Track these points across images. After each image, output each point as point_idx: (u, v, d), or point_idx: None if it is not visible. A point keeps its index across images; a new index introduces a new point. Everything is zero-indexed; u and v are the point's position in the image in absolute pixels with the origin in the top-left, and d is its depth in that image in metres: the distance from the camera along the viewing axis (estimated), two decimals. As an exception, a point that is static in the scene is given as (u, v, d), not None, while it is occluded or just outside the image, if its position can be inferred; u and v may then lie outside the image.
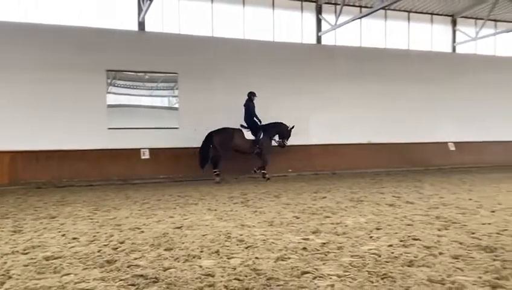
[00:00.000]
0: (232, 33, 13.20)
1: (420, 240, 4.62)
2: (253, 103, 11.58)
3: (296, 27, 14.02)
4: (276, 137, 11.97)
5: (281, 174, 12.45)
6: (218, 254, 4.14)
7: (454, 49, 15.98)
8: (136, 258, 4.06)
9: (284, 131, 11.94)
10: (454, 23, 15.86)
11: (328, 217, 6.06)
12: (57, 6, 11.63)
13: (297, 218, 5.98)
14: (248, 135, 11.41)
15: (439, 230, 5.16)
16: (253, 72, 13.10)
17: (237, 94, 12.90)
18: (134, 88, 12.40)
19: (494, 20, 16.13)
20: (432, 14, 15.41)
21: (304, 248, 4.30)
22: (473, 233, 4.95)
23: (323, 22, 13.99)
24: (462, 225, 5.40)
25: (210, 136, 11.19)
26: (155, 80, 12.53)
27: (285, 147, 12.02)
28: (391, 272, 3.54)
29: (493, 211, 6.37)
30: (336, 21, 13.07)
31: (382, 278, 3.41)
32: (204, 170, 11.24)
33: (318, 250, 4.25)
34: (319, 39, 14.17)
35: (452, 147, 15.34)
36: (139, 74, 12.32)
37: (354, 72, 14.22)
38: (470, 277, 3.45)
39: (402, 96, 14.69)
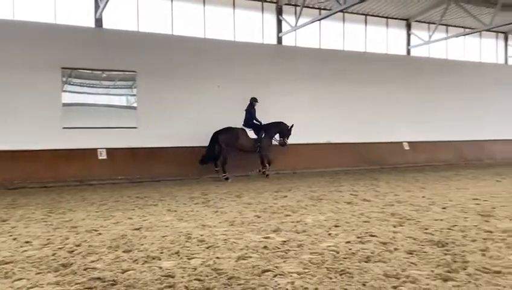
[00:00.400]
0: (193, 32, 13.08)
1: (376, 237, 4.77)
2: (254, 108, 12.26)
3: (256, 27, 14.08)
4: (277, 136, 12.53)
5: (242, 175, 12.45)
6: (179, 255, 4.10)
7: (408, 52, 16.58)
8: (93, 261, 3.95)
9: (284, 130, 12.50)
10: (409, 27, 16.45)
11: (289, 215, 6.14)
12: (8, 1, 11.09)
13: (259, 217, 6.01)
14: (251, 134, 12.08)
15: (394, 226, 5.35)
16: (214, 72, 13.05)
17: (198, 93, 12.85)
18: (91, 86, 12.03)
19: (446, 25, 16.85)
20: (387, 17, 15.91)
21: (265, 247, 4.33)
22: (426, 229, 5.16)
23: (283, 23, 14.13)
24: (416, 221, 5.62)
25: (216, 136, 11.64)
26: (113, 79, 12.21)
27: (285, 145, 12.56)
28: (349, 268, 3.64)
29: (444, 208, 6.66)
30: (296, 22, 13.23)
31: (340, 274, 3.50)
32: (215, 167, 11.77)
33: (279, 248, 4.30)
34: (279, 40, 14.30)
35: (407, 147, 15.90)
36: (96, 72, 11.97)
37: (314, 73, 14.45)
38: (423, 271, 3.60)
39: (360, 97, 15.07)
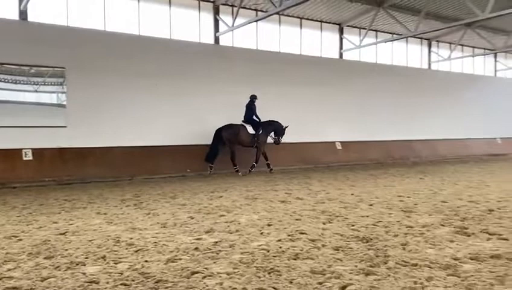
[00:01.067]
0: (127, 28, 12.67)
1: (306, 234, 4.91)
2: (255, 105, 13.06)
3: (193, 26, 13.93)
4: (272, 134, 13.32)
5: (178, 175, 12.27)
6: (105, 260, 3.95)
7: (341, 55, 17.23)
8: (9, 269, 3.70)
9: (279, 129, 13.31)
10: (341, 31, 17.10)
11: (223, 215, 6.14)
12: None
13: (192, 218, 5.96)
14: (250, 130, 12.84)
15: (323, 223, 5.53)
16: (150, 69, 12.73)
17: (133, 91, 12.48)
18: (17, 83, 11.26)
19: (376, 30, 17.72)
20: (321, 21, 16.43)
21: (196, 248, 4.30)
22: (353, 225, 5.39)
23: (220, 23, 14.11)
24: (344, 218, 5.86)
25: (219, 132, 12.53)
26: (42, 75, 11.50)
27: (279, 143, 13.40)
28: (278, 266, 3.71)
29: (371, 205, 6.99)
30: (233, 22, 13.27)
31: (269, 273, 3.55)
32: (209, 164, 12.59)
33: (210, 249, 4.29)
34: (216, 39, 14.26)
35: (339, 146, 16.52)
36: (23, 67, 11.21)
37: (251, 73, 14.57)
38: (348, 266, 3.75)
39: (295, 98, 15.42)
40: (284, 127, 13.33)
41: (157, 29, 13.17)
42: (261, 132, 12.92)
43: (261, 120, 13.08)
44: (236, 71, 14.30)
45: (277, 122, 13.31)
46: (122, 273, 3.54)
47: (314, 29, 16.47)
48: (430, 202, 7.15)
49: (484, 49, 20.67)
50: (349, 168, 14.72)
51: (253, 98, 13.09)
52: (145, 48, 12.74)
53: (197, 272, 3.56)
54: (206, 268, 3.67)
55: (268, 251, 4.19)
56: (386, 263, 3.81)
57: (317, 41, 16.58)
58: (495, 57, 22.82)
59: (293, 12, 15.35)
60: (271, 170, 13.19)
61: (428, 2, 14.23)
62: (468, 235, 4.85)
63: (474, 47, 21.09)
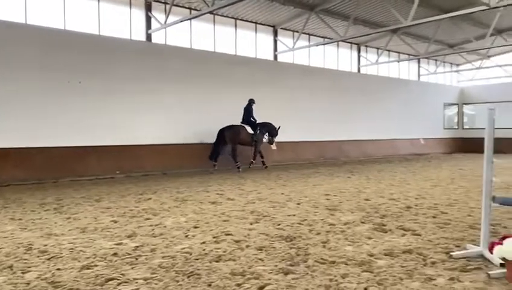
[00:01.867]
0: (51, 22, 11.94)
1: (232, 235, 4.90)
2: (252, 108, 14.13)
3: (124, 23, 13.45)
4: (267, 134, 14.40)
5: (107, 177, 11.79)
6: (12, 269, 3.68)
7: (275, 57, 17.48)
8: None
9: (272, 130, 14.47)
10: (275, 33, 17.35)
11: (149, 219, 5.96)
12: None
13: (115, 222, 5.73)
14: (249, 130, 13.87)
15: (251, 224, 5.55)
16: (75, 66, 12.10)
17: (55, 89, 11.79)
18: None
19: (308, 34, 18.19)
20: (256, 23, 16.56)
21: (115, 254, 4.13)
22: (279, 225, 5.47)
23: (153, 20, 13.75)
24: (272, 218, 5.92)
25: (222, 132, 13.45)
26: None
27: (273, 143, 14.74)
28: (198, 269, 3.66)
29: (299, 204, 7.15)
30: (166, 20, 12.99)
31: (188, 277, 3.49)
32: (213, 162, 13.55)
33: (130, 254, 4.14)
34: (148, 37, 13.88)
35: (274, 147, 16.72)
36: None
37: (185, 72, 14.35)
38: (268, 266, 3.79)
39: (230, 98, 15.39)
40: (277, 128, 14.54)
41: (85, 25, 12.54)
42: (258, 132, 14.05)
43: (248, 121, 14.09)
44: (169, 70, 14.01)
45: (271, 123, 14.49)
46: (29, 284, 3.31)
47: (249, 30, 16.56)
48: (354, 200, 7.44)
49: (408, 54, 21.97)
50: (283, 168, 14.96)
51: (251, 101, 14.23)
52: (69, 43, 12.08)
53: (112, 279, 3.41)
54: (122, 274, 3.53)
55: (190, 254, 4.12)
56: (305, 262, 3.89)
57: (252, 43, 16.70)
58: (418, 62, 24.33)
59: (227, 12, 15.33)
60: (266, 167, 14.39)
61: (357, 8, 14.84)
62: (385, 232, 5.10)
63: (399, 52, 22.35)
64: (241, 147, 13.97)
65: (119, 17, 13.38)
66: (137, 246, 4.42)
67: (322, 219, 5.82)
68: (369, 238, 4.79)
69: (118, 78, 12.89)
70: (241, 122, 14.06)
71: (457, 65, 26.48)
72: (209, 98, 14.87)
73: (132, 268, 3.71)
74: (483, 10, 11.42)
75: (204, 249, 4.29)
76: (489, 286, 3.30)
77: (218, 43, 15.59)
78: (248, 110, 14.23)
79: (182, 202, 7.40)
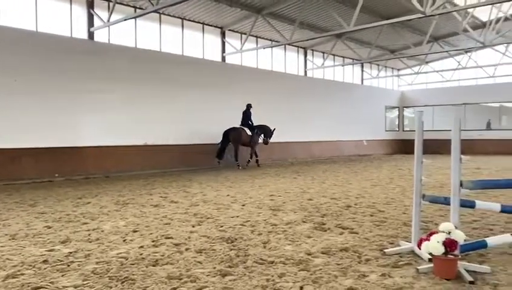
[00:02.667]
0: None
1: (172, 238, 4.81)
2: (250, 111, 15.59)
3: (65, 20, 12.87)
4: (262, 136, 15.75)
5: (44, 180, 11.22)
6: None
7: (223, 59, 17.45)
8: None
9: (267, 131, 15.85)
10: (223, 34, 17.32)
11: (86, 223, 5.73)
12: None
13: (49, 228, 5.45)
14: (248, 132, 15.24)
15: (193, 226, 5.48)
16: (10, 64, 11.42)
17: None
18: None
19: (256, 36, 18.33)
20: (203, 24, 16.45)
21: (45, 261, 3.92)
22: (221, 226, 5.44)
23: (95, 18, 13.27)
24: (215, 220, 5.88)
25: (227, 134, 14.88)
26: None
27: (268, 144, 16.10)
28: (133, 274, 3.55)
29: (243, 205, 7.16)
30: (109, 18, 12.58)
31: (122, 282, 3.38)
32: (221, 160, 15.09)
33: (61, 261, 3.94)
34: (91, 35, 13.38)
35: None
36: None
37: (130, 72, 13.98)
38: (207, 268, 3.75)
39: (178, 99, 15.20)
40: (272, 130, 15.91)
41: (21, 20, 11.88)
42: (255, 133, 15.45)
43: (246, 124, 15.50)
44: (113, 69, 13.58)
45: (266, 126, 15.88)
46: None
47: (196, 30, 16.42)
48: (297, 200, 7.56)
49: (352, 59, 22.73)
50: (231, 169, 14.92)
51: (249, 106, 15.66)
52: (4, 40, 11.40)
53: (39, 288, 3.24)
54: (51, 282, 3.36)
55: (126, 259, 4.00)
56: (244, 263, 3.89)
57: (199, 43, 16.56)
58: (362, 66, 25.24)
59: (173, 12, 15.12)
60: (258, 165, 15.76)
61: (302, 13, 15.13)
62: (325, 231, 5.22)
63: (344, 57, 23.08)
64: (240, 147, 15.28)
65: (59, 14, 12.80)
66: (70, 252, 4.23)
67: (265, 220, 5.86)
68: (309, 237, 4.88)
69: (57, 77, 12.32)
70: (240, 125, 15.39)
71: (398, 70, 27.76)
72: (155, 98, 14.59)
73: (63, 275, 3.54)
74: (419, 18, 12.03)
75: (141, 254, 4.17)
76: (417, 280, 3.46)
77: (164, 43, 15.32)
78: (246, 114, 15.59)
79: (123, 206, 7.17)
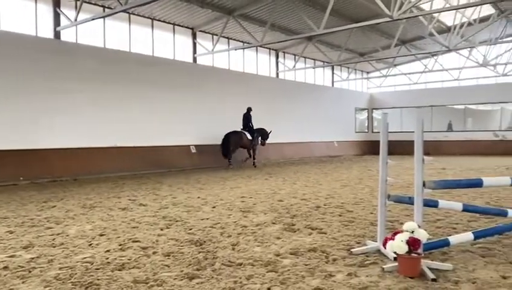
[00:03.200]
0: None
1: (140, 242, 4.73)
2: (250, 115, 16.45)
3: (30, 18, 12.49)
4: (260, 138, 16.73)
5: (8, 183, 10.84)
6: None
7: (195, 60, 17.34)
8: None
9: (265, 134, 16.90)
10: (194, 35, 17.22)
11: (50, 228, 5.57)
12: None
13: (11, 233, 5.27)
14: (248, 136, 16.10)
15: (161, 229, 5.41)
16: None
17: None
18: None
19: (228, 38, 18.32)
20: (174, 24, 16.31)
21: (5, 267, 3.79)
22: (191, 229, 5.39)
23: (62, 17, 12.94)
24: (184, 223, 5.83)
25: (228, 137, 15.64)
26: None
27: (265, 145, 17.19)
28: (98, 279, 3.47)
29: (214, 207, 7.12)
30: (76, 17, 12.28)
31: (86, 288, 3.31)
32: (229, 161, 15.83)
33: (22, 267, 3.82)
34: (57, 35, 13.04)
35: (193, 150, 16.59)
36: None
37: (99, 72, 13.70)
38: (174, 272, 3.71)
39: (148, 100, 15.00)
40: (268, 132, 16.95)
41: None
42: (255, 136, 16.37)
43: (247, 127, 16.44)
44: (80, 69, 13.26)
45: (263, 128, 16.84)
46: None
47: (167, 31, 16.25)
48: (268, 202, 7.59)
49: (323, 61, 23.03)
50: (203, 171, 14.84)
51: (249, 109, 16.51)
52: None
53: (-2, 296, 3.12)
54: (10, 289, 3.24)
55: (91, 264, 3.90)
56: (213, 265, 3.87)
57: (170, 44, 16.40)
58: (332, 69, 25.61)
59: (143, 12, 14.92)
60: (255, 166, 16.41)
61: (273, 15, 15.21)
62: (294, 231, 5.26)
63: (315, 59, 23.34)
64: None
65: (24, 12, 12.41)
66: (32, 258, 4.10)
67: (235, 222, 5.85)
68: (278, 238, 4.90)
69: (21, 77, 11.95)
70: (242, 129, 16.28)
71: (367, 73, 28.32)
72: (125, 99, 14.36)
73: (23, 282, 3.43)
74: (387, 22, 12.31)
75: (107, 258, 4.09)
76: (382, 279, 3.52)
77: (134, 43, 15.09)
78: (247, 118, 16.46)
79: (90, 209, 7.01)
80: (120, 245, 4.60)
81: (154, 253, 4.29)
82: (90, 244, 4.66)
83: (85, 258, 4.11)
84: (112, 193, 9.23)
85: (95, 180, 12.03)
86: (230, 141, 15.61)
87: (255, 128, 16.53)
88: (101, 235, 5.12)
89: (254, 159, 16.51)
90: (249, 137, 16.17)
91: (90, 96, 13.48)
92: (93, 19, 12.05)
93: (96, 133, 13.51)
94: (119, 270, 3.75)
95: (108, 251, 4.38)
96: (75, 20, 12.29)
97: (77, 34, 13.51)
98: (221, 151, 15.82)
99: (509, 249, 4.33)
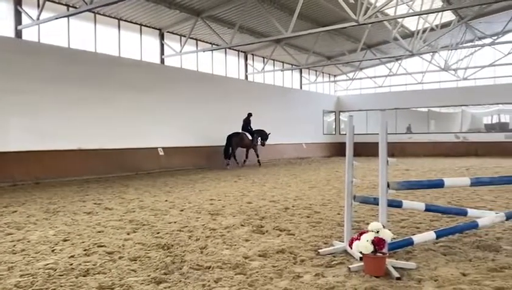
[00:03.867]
0: None
1: (105, 247, 4.63)
2: (250, 119, 17.97)
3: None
4: (259, 139, 18.05)
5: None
6: None
7: (163, 61, 17.14)
8: None
9: (264, 135, 18.20)
10: (162, 36, 17.02)
11: (11, 234, 5.36)
12: None
13: (-32, 240, 5.04)
14: (249, 137, 17.50)
15: (128, 234, 5.31)
16: None
17: None
18: None
19: (196, 39, 18.21)
20: (141, 25, 16.06)
21: (-39, 276, 3.62)
22: (158, 233, 5.32)
23: (24, 16, 12.50)
24: (151, 226, 5.74)
25: (230, 138, 16.97)
26: None
27: (264, 145, 18.47)
28: (61, 286, 3.38)
29: (182, 210, 7.05)
30: (39, 16, 11.90)
31: (48, 295, 3.20)
32: (229, 160, 16.97)
33: (-20, 276, 3.65)
34: (18, 33, 12.59)
35: (161, 152, 16.38)
36: None
37: (63, 73, 13.30)
38: (141, 276, 3.64)
39: (113, 101, 14.69)
40: (267, 134, 18.29)
41: None
42: (255, 137, 17.74)
43: (246, 130, 17.76)
44: (43, 69, 12.85)
45: (263, 130, 18.20)
46: None
47: (134, 32, 15.99)
48: (237, 204, 7.58)
49: (292, 64, 23.26)
50: (171, 174, 14.67)
51: (249, 114, 18.06)
52: None
53: (-47, 306, 2.97)
54: (-33, 300, 3.10)
55: (55, 270, 3.79)
56: (180, 269, 3.83)
57: (137, 45, 16.14)
58: (300, 72, 25.90)
59: (109, 12, 14.62)
60: (244, 162, 17.84)
61: (241, 17, 15.24)
62: (263, 233, 5.28)
63: (283, 62, 23.54)
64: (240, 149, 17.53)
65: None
66: (-9, 266, 3.94)
67: (203, 225, 5.81)
68: (247, 240, 4.90)
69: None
70: (242, 131, 17.61)
71: (335, 76, 28.80)
72: (90, 100, 14.01)
73: (-20, 291, 3.29)
74: (353, 26, 12.56)
75: (71, 264, 3.97)
76: (349, 279, 3.59)
77: (100, 44, 14.76)
78: (246, 122, 17.90)
79: (53, 214, 6.80)
80: (85, 250, 4.48)
81: (120, 258, 4.20)
82: (53, 250, 4.52)
83: (48, 264, 3.98)
84: (76, 196, 8.98)
85: (58, 184, 11.67)
86: (232, 142, 16.94)
87: (256, 129, 18.04)
88: (65, 240, 4.98)
89: (258, 157, 18.07)
90: (250, 137, 17.55)
91: (53, 97, 13.08)
92: (56, 18, 11.71)
93: (60, 135, 13.11)
94: (84, 276, 3.65)
95: (72, 256, 4.26)
96: (38, 18, 11.91)
97: (40, 33, 13.09)
98: (223, 152, 17.09)
99: (469, 247, 4.51)
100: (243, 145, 17.40)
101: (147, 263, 4.03)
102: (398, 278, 3.53)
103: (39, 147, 12.60)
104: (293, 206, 7.25)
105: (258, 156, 18.07)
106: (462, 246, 4.52)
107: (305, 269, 3.83)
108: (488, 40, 22.01)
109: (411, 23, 19.18)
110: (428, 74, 24.95)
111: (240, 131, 17.61)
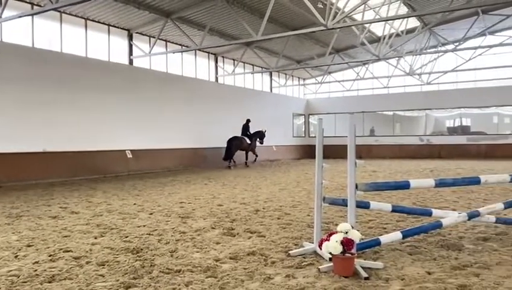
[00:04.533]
0: None
1: (71, 252, 4.52)
2: (249, 125, 19.64)
3: None
4: (258, 139, 19.82)
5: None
6: None
7: (131, 62, 16.86)
8: None
9: (262, 135, 19.90)
10: (130, 37, 16.74)
11: (-30, 240, 5.14)
12: None
13: None
14: (248, 141, 19.17)
15: (95, 238, 5.20)
16: None
17: None
18: None
19: (166, 41, 18.02)
20: (109, 25, 15.75)
21: None
22: (127, 237, 5.22)
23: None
24: (119, 230, 5.63)
25: (230, 142, 18.31)
26: None
27: (262, 144, 20.24)
28: (25, 293, 3.26)
29: (151, 214, 6.95)
30: (1, 14, 11.46)
31: (12, 303, 3.09)
32: (229, 162, 18.40)
33: None
34: (-22, 31, 12.11)
35: (129, 155, 16.09)
36: None
37: (26, 73, 12.86)
38: (109, 281, 3.57)
39: (80, 103, 14.32)
40: (264, 131, 19.99)
41: None
42: (253, 140, 19.44)
43: (245, 134, 19.40)
44: (4, 69, 12.38)
45: (261, 131, 19.83)
46: None
47: (101, 32, 15.66)
48: (207, 207, 7.55)
49: (262, 67, 23.37)
50: (140, 176, 14.44)
51: (248, 120, 19.65)
52: None
53: None
54: None
55: (18, 277, 3.66)
56: (150, 273, 3.78)
57: (105, 45, 15.82)
58: (270, 75, 26.06)
59: (76, 11, 14.26)
60: (246, 163, 19.46)
61: (211, 19, 15.19)
62: (234, 236, 5.28)
63: (254, 65, 23.63)
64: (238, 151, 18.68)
65: None
66: (-51, 274, 3.76)
67: (173, 228, 5.75)
68: (218, 243, 4.89)
69: None
70: (241, 135, 19.19)
71: (304, 79, 29.16)
72: (55, 102, 13.61)
73: None
74: (322, 30, 12.76)
75: (36, 270, 3.85)
76: (319, 280, 3.64)
77: (66, 44, 14.36)
78: (245, 128, 19.53)
79: (16, 218, 6.57)
80: (50, 256, 4.35)
81: (87, 263, 4.11)
82: (17, 256, 4.37)
83: (10, 271, 3.84)
84: (40, 200, 8.71)
85: (21, 187, 11.28)
86: (232, 145, 18.25)
87: (255, 131, 19.75)
88: (29, 245, 4.82)
89: (256, 156, 19.86)
90: (248, 141, 19.21)
91: (16, 97, 12.64)
92: (20, 17, 11.32)
93: (23, 137, 12.67)
94: (49, 282, 3.55)
95: (36, 262, 4.13)
96: (0, 17, 11.48)
97: (2, 32, 12.63)
98: (224, 154, 18.33)
99: (434, 246, 4.66)
100: (242, 148, 18.93)
101: (115, 267, 3.95)
102: (366, 278, 3.61)
103: (1, 149, 12.13)
104: (263, 208, 7.28)
105: (256, 155, 19.83)
106: (427, 246, 4.67)
107: (276, 271, 3.85)
108: (450, 46, 22.83)
109: (378, 29, 19.66)
110: (393, 78, 25.62)
111: (239, 135, 19.04)
